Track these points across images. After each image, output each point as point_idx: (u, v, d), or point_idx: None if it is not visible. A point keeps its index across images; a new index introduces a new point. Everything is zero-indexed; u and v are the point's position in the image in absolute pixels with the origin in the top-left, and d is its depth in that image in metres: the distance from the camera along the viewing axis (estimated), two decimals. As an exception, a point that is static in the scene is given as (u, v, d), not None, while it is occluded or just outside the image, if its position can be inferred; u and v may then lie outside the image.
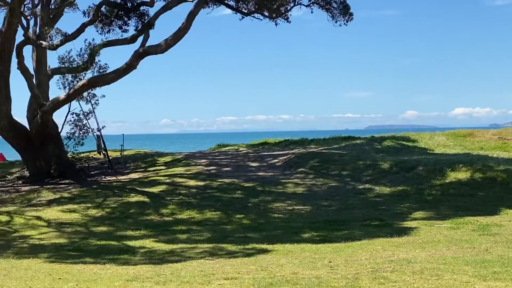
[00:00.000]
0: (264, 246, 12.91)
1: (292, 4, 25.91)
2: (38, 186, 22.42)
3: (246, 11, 25.84)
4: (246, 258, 11.43)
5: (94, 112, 27.23)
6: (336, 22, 25.50)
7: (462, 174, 19.95)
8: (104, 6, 24.92)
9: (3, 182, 24.16)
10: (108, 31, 25.12)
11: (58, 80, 27.21)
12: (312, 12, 26.12)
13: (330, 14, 25.44)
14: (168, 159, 26.90)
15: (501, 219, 15.11)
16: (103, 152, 26.75)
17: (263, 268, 9.97)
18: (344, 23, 25.53)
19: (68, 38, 24.34)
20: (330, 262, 10.39)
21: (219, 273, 9.47)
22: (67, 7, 26.46)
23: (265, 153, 27.83)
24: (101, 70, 25.75)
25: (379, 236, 13.51)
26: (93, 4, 25.00)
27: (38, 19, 25.37)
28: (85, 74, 25.88)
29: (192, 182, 21.66)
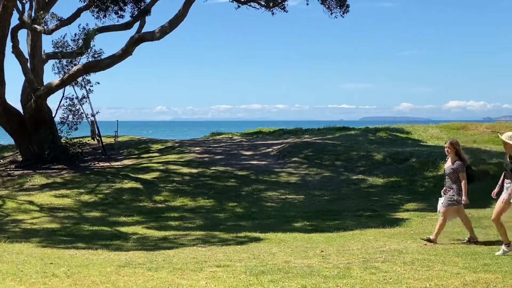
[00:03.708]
0: (256, 234, 12.95)
1: (289, -7, 25.80)
2: (30, 171, 22.39)
3: (242, -1, 25.73)
4: (239, 246, 11.46)
5: (88, 97, 27.20)
6: (332, 13, 25.39)
7: (455, 167, 19.98)
8: (100, -9, 24.75)
9: (-4, 166, 24.10)
10: (104, 17, 24.97)
11: (53, 65, 27.15)
12: (307, 4, 26.07)
13: (326, 6, 25.34)
14: (161, 146, 26.88)
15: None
16: (97, 138, 26.73)
17: (255, 256, 9.99)
18: (340, 15, 25.42)
19: (63, 22, 24.22)
20: (322, 251, 10.43)
21: (211, 260, 9.50)
22: (63, -8, 26.28)
23: (259, 142, 27.84)
24: (96, 56, 25.69)
25: (371, 227, 13.57)
26: (89, -11, 24.85)
27: (34, 3, 25.24)
28: (80, 59, 25.82)
29: (185, 170, 21.67)
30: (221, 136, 33.03)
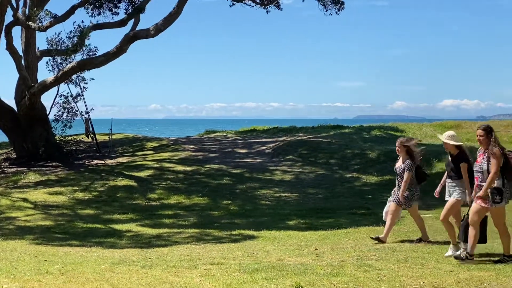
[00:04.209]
0: (250, 232, 12.96)
1: (283, -9, 25.77)
2: (25, 168, 22.34)
3: (237, -3, 25.67)
4: (233, 244, 11.47)
5: (82, 95, 27.15)
6: (327, 10, 25.39)
7: (449, 165, 20.03)
8: (94, -12, 24.70)
9: (-11, 164, 24.04)
10: (98, 14, 24.90)
11: (47, 62, 27.08)
12: (303, 1, 26.11)
13: (321, 3, 25.34)
14: (156, 144, 26.86)
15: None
16: (91, 135, 26.69)
17: (249, 254, 10.01)
18: (336, 12, 25.42)
19: (57, 19, 24.16)
20: (316, 249, 10.45)
21: (206, 258, 9.51)
22: (57, -11, 26.25)
23: (253, 140, 27.85)
24: (91, 53, 25.63)
25: (365, 225, 13.59)
26: (84, -14, 24.78)
27: (28, 0, 25.15)
28: (74, 56, 25.75)
29: (180, 167, 21.67)
30: (216, 134, 33.02)
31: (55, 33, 26.19)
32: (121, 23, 24.60)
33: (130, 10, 24.25)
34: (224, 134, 32.18)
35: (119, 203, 17.69)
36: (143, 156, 24.17)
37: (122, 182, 19.87)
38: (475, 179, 8.87)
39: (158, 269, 8.43)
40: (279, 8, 26.15)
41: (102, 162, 23.40)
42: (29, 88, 23.93)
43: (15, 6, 24.94)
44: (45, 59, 26.88)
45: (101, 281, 7.60)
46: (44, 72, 35.79)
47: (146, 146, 26.43)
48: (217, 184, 19.56)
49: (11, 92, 25.43)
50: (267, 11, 26.17)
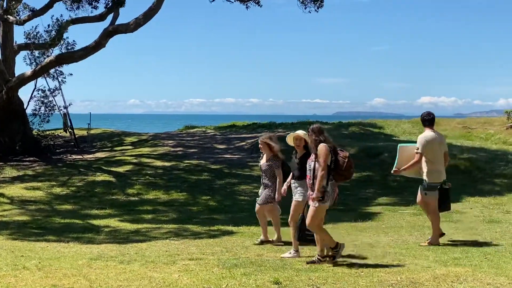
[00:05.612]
0: (229, 228, 12.95)
1: (264, -13, 25.72)
2: (1, 163, 22.12)
3: (217, -8, 25.61)
4: (211, 239, 11.46)
5: (61, 89, 26.98)
6: (306, 8, 25.41)
7: (427, 162, 20.16)
8: (73, -18, 24.52)
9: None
10: (77, 8, 24.74)
11: (25, 56, 26.86)
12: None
13: (300, 0, 25.33)
14: (135, 139, 26.74)
15: (463, 206, 15.34)
16: (69, 130, 26.52)
17: (228, 249, 10.01)
18: (315, 10, 25.44)
19: (36, 13, 23.98)
20: (295, 244, 10.47)
21: (184, 254, 9.49)
22: (36, -18, 26.00)
23: (232, 136, 27.83)
24: (69, 47, 25.48)
25: (343, 221, 13.63)
26: (62, -21, 24.59)
27: (5, -8, 24.88)
28: (52, 50, 25.58)
29: (158, 163, 21.59)
30: (195, 129, 32.95)
31: (33, 27, 25.95)
32: (100, 18, 24.45)
33: (110, 4, 24.10)
34: (204, 130, 32.12)
35: (98, 198, 17.58)
36: (122, 151, 24.05)
37: (100, 177, 19.76)
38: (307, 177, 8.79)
39: (136, 264, 8.40)
40: (259, 5, 26.07)
41: (80, 157, 23.25)
42: (6, 82, 23.69)
43: (-8, -1, 24.70)
44: (22, 53, 26.67)
45: (79, 276, 7.55)
46: (22, 66, 35.54)
47: (125, 141, 26.30)
48: (196, 179, 19.53)
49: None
50: (247, 7, 26.15)
